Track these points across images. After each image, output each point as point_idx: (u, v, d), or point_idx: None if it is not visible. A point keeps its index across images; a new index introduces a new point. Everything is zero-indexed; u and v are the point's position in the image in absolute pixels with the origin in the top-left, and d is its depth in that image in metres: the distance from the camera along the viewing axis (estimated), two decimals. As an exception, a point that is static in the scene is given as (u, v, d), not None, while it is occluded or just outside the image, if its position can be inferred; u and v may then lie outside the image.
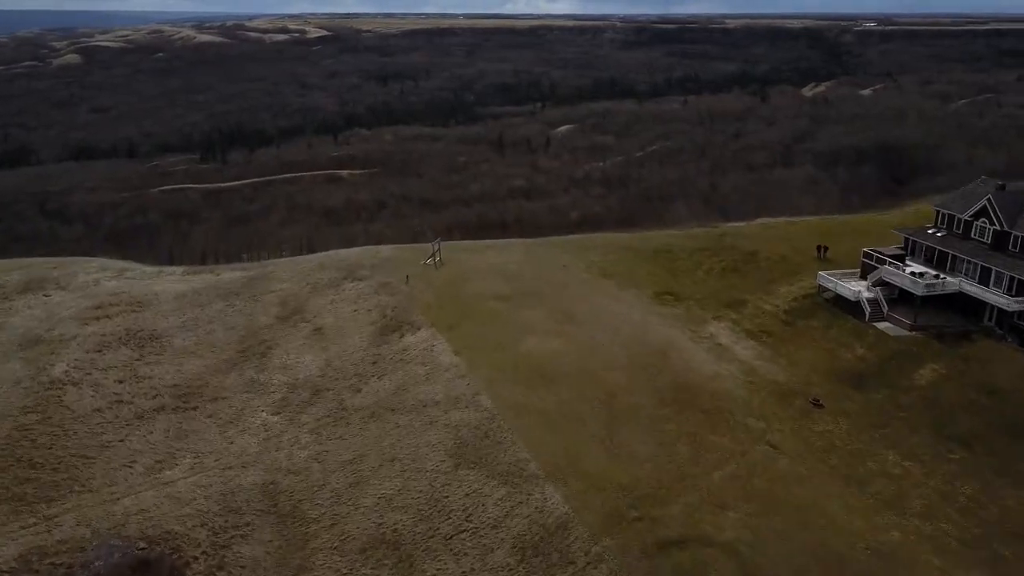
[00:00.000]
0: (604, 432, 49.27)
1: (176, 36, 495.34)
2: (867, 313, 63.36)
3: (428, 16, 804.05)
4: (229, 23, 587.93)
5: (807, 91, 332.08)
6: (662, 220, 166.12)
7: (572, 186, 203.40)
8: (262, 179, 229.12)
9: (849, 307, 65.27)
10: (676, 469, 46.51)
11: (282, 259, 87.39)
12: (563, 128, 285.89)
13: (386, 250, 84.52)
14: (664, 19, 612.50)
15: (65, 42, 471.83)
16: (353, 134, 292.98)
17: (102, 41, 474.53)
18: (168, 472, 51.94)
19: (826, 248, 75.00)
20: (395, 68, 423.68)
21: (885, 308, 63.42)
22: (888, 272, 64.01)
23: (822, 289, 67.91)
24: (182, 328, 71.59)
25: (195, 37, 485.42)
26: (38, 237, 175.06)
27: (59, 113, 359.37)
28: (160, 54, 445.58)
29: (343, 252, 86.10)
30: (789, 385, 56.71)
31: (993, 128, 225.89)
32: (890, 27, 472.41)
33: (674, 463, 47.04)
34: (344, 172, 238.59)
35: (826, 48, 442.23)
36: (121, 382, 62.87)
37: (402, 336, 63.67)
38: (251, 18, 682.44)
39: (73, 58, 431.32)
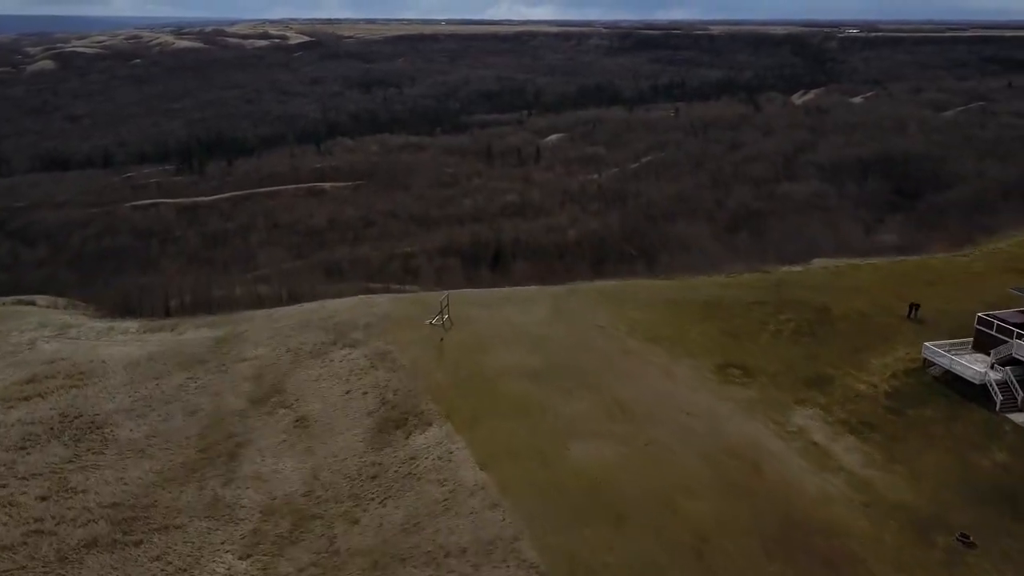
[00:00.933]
0: (705, 610, 34.46)
1: (154, 42, 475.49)
2: (997, 401, 49.01)
3: (409, 22, 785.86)
4: (208, 29, 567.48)
5: (796, 99, 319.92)
6: (668, 240, 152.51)
7: (568, 201, 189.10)
8: (240, 192, 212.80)
9: (968, 389, 50.86)
10: (817, 676, 31.79)
11: (258, 312, 71.79)
12: (552, 137, 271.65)
13: (382, 303, 69.11)
14: (649, 25, 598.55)
15: (40, 48, 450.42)
16: (336, 143, 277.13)
17: (78, 47, 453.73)
18: (93, 660, 36.58)
19: (917, 306, 60.52)
20: (378, 75, 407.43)
21: (1020, 394, 49.07)
22: (1022, 348, 49.60)
23: (927, 363, 53.47)
24: (131, 412, 56.01)
25: (174, 43, 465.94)
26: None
27: (32, 121, 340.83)
28: (137, 60, 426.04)
29: (330, 305, 70.59)
30: (921, 510, 42.11)
31: (997, 139, 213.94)
32: (873, 34, 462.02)
33: (811, 664, 32.32)
34: (327, 184, 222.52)
35: (810, 55, 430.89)
36: (45, 499, 47.23)
37: (409, 435, 48.47)
38: (231, 23, 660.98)
39: (47, 64, 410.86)
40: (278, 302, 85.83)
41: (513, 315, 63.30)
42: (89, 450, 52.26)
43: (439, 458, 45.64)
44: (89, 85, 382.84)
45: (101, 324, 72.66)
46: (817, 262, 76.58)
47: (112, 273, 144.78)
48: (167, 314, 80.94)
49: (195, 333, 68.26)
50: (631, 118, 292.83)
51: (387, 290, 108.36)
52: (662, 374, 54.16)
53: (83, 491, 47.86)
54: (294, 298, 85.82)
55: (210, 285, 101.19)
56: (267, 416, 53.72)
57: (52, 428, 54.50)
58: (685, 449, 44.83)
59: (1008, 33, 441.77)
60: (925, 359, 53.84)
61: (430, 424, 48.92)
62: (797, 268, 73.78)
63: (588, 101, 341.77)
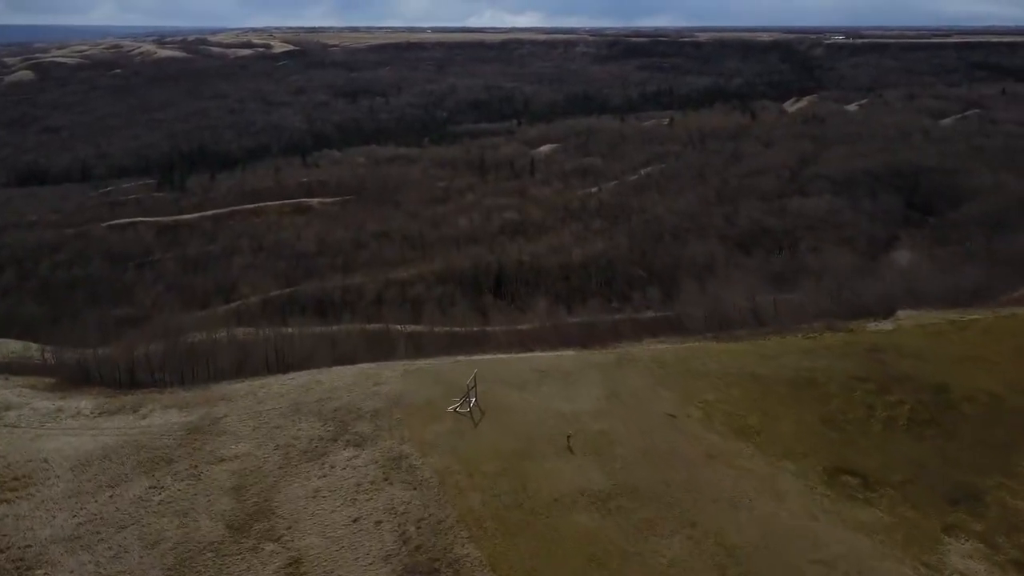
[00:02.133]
0: None
1: (135, 51, 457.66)
2: None
3: (394, 30, 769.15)
4: (191, 38, 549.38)
5: (789, 106, 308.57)
6: (681, 262, 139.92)
7: (569, 218, 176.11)
8: (223, 210, 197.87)
9: None
10: None
11: (239, 387, 57.71)
12: (545, 148, 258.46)
13: (391, 379, 55.27)
14: (636, 33, 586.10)
15: (18, 58, 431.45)
16: (323, 155, 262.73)
17: (57, 57, 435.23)
18: None
19: (1065, 388, 47.87)
20: (364, 84, 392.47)
21: None
22: None
23: (1105, 474, 40.84)
24: (73, 543, 41.98)
25: (155, 52, 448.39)
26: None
27: (9, 133, 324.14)
28: (118, 70, 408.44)
29: (326, 380, 56.78)
30: None
31: (1006, 149, 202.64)
32: (860, 40, 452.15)
33: None
34: (315, 200, 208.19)
35: (798, 61, 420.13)
36: None
37: (444, 598, 34.90)
38: (213, 33, 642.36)
39: (25, 75, 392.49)
40: (263, 358, 71.93)
41: (556, 399, 49.75)
42: (13, 607, 38.35)
43: (490, 644, 32.15)
44: (68, 96, 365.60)
45: (48, 403, 58.28)
46: (903, 315, 63.33)
47: (82, 305, 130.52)
48: (132, 376, 66.69)
49: (162, 417, 54.26)
50: (624, 127, 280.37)
51: (387, 331, 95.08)
52: (764, 491, 40.79)
53: None
54: (280, 355, 71.81)
55: (184, 329, 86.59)
56: (250, 554, 39.86)
57: (-33, 571, 40.48)
58: (835, 631, 31.58)
59: (994, 39, 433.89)
60: (1104, 469, 40.98)
61: (471, 581, 35.40)
62: (886, 325, 60.57)
63: (577, 109, 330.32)
